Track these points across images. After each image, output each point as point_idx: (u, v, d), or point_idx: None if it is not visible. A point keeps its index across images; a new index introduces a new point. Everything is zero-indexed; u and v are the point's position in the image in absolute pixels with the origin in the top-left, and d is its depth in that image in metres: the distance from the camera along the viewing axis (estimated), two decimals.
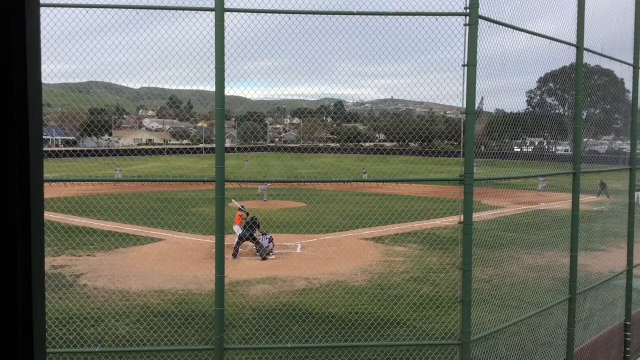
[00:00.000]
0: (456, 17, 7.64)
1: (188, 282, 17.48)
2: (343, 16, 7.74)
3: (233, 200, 23.25)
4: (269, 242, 21.23)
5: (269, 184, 35.60)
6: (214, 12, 7.32)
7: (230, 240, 19.25)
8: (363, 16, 7.73)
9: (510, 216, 20.35)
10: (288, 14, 7.59)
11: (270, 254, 21.16)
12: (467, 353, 7.80)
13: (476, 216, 8.07)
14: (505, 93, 8.88)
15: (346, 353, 11.66)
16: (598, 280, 11.58)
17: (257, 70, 8.70)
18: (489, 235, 9.00)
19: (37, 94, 1.19)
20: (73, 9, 7.39)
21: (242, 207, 22.67)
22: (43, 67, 1.24)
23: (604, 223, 14.79)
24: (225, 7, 7.33)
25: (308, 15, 7.62)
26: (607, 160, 15.44)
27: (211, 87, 7.48)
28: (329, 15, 7.73)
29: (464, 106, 7.64)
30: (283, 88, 8.35)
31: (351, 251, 21.79)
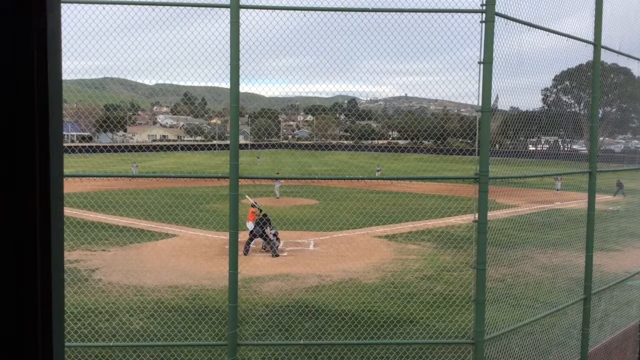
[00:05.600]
0: (472, 14, 7.59)
1: (201, 278, 17.57)
2: (359, 14, 7.72)
3: (247, 197, 23.33)
4: (275, 238, 21.28)
5: (282, 181, 35.77)
6: (229, 9, 7.34)
7: (244, 237, 19.31)
8: (379, 14, 7.71)
9: (525, 215, 20.23)
10: (302, 11, 7.59)
11: (276, 251, 21.18)
12: (480, 352, 7.76)
13: (491, 215, 8.02)
14: (521, 91, 8.82)
15: (359, 351, 11.66)
16: (613, 281, 11.48)
17: (271, 67, 8.72)
18: (503, 234, 8.95)
19: (57, 90, 1.20)
20: (90, 6, 7.44)
21: (255, 203, 22.71)
22: None
23: (620, 223, 14.65)
24: (240, 3, 7.34)
25: (323, 12, 7.61)
26: (624, 160, 15.29)
27: (226, 84, 7.51)
28: (344, 13, 7.71)
29: (480, 104, 7.60)
30: (297, 85, 8.33)
31: (364, 249, 21.77)
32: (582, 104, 12.96)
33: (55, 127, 1.19)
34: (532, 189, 31.03)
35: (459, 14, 7.67)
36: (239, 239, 7.84)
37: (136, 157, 51.76)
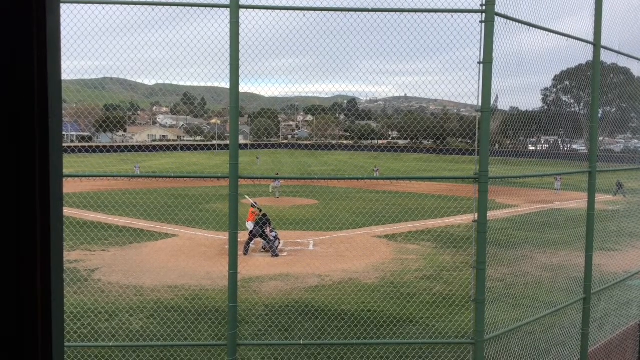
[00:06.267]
0: (472, 14, 7.59)
1: (201, 278, 17.57)
2: (359, 14, 7.72)
3: (247, 197, 23.33)
4: (275, 239, 21.27)
5: (281, 181, 35.76)
6: (229, 9, 7.34)
7: (244, 237, 19.29)
8: (379, 14, 7.71)
9: (525, 215, 20.24)
10: (302, 11, 7.59)
11: (276, 251, 21.12)
12: (480, 352, 7.77)
13: (490, 215, 8.02)
14: (521, 91, 8.83)
15: (358, 351, 11.66)
16: (613, 280, 11.48)
17: (271, 67, 8.72)
18: (503, 234, 8.95)
19: (57, 90, 1.20)
20: (89, 6, 7.43)
21: (255, 203, 22.70)
22: None
23: (620, 223, 14.65)
24: (240, 3, 7.35)
25: (323, 12, 7.61)
26: (623, 160, 15.30)
27: (225, 84, 7.51)
28: (344, 13, 7.71)
29: (479, 104, 7.60)
30: (297, 85, 8.33)
31: (364, 249, 21.78)
32: (581, 104, 12.96)
33: (55, 127, 1.19)
34: (532, 189, 31.04)
35: (459, 14, 7.67)
36: (239, 239, 7.84)
37: (136, 157, 51.74)
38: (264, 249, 21.42)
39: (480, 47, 7.52)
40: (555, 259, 12.29)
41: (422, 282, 17.50)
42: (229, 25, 7.31)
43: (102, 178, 29.71)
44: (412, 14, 7.67)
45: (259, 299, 15.52)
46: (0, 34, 1.11)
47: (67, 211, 26.13)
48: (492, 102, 7.67)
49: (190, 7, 7.63)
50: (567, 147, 13.25)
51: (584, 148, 11.87)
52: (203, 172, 42.38)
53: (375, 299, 15.58)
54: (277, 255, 20.82)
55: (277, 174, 36.91)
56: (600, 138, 12.10)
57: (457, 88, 8.23)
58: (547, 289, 10.83)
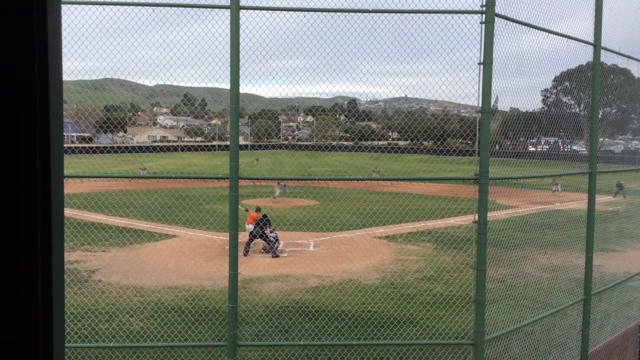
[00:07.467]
0: (473, 15, 7.60)
1: (201, 279, 17.56)
2: (359, 15, 7.72)
3: (241, 207, 23.26)
4: (275, 240, 21.25)
5: (284, 184, 35.68)
6: (229, 10, 7.35)
7: (244, 237, 19.28)
8: (379, 15, 7.71)
9: (525, 216, 20.25)
10: (303, 12, 7.59)
11: (276, 251, 21.08)
12: (480, 353, 7.76)
13: (491, 215, 8.02)
14: (521, 92, 8.83)
15: (359, 352, 11.65)
16: (613, 281, 11.48)
17: (271, 68, 8.72)
18: (503, 234, 8.95)
19: (58, 91, 1.20)
20: (90, 6, 7.44)
21: (258, 207, 22.72)
22: None
23: (620, 223, 14.65)
24: (240, 4, 7.35)
25: (323, 13, 7.61)
26: (624, 161, 15.30)
27: (226, 85, 7.51)
28: (345, 14, 7.72)
29: (480, 105, 7.60)
30: (297, 86, 8.34)
31: (364, 249, 21.77)
32: (582, 105, 12.97)
33: (55, 127, 1.19)
34: (532, 190, 31.04)
35: (459, 15, 7.68)
36: (239, 240, 7.84)
37: (136, 158, 51.71)
38: (264, 250, 21.41)
39: (481, 48, 7.53)
40: (555, 260, 12.29)
41: (422, 283, 17.49)
42: (229, 26, 7.32)
43: (102, 179, 29.72)
44: (412, 14, 7.68)
45: (259, 300, 15.51)
46: (1, 34, 1.11)
47: (68, 212, 26.12)
48: (492, 103, 7.67)
49: (190, 8, 7.63)
50: (567, 148, 13.24)
51: (584, 149, 11.86)
52: (203, 172, 42.37)
53: (375, 300, 15.58)
54: (277, 256, 20.81)
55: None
56: (601, 139, 12.10)
57: (458, 89, 8.23)
58: (548, 290, 10.84)
